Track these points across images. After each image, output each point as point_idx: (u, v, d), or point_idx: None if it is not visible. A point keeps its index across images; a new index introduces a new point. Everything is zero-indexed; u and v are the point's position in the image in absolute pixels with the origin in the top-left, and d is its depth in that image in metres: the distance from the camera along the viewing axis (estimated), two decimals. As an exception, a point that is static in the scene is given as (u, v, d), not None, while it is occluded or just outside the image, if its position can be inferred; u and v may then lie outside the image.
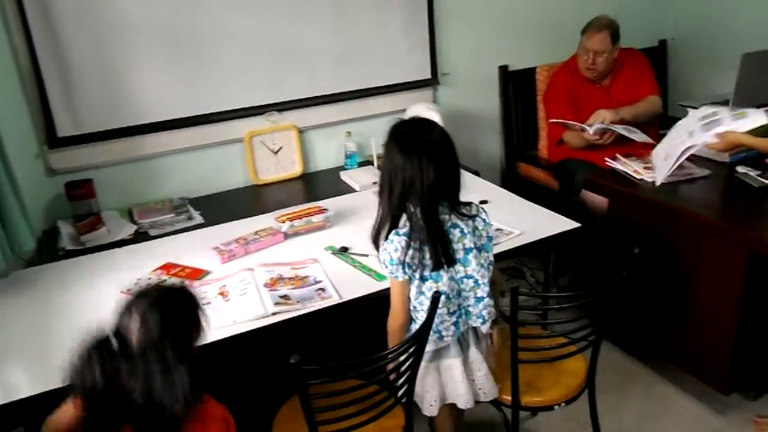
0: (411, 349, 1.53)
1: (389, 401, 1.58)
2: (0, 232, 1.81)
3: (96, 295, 1.83)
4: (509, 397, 1.75)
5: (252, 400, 1.89)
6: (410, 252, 1.54)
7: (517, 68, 3.31)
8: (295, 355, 1.34)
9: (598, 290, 1.68)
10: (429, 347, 1.64)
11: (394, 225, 1.58)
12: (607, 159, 2.62)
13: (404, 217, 1.58)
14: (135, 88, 2.46)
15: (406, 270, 1.55)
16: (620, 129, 2.66)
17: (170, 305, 1.25)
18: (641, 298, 2.35)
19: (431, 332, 1.62)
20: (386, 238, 1.58)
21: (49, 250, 2.20)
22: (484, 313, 1.66)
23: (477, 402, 1.73)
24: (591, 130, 2.71)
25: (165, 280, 1.75)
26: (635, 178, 2.43)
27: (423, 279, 1.58)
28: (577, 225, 2.12)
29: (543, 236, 2.06)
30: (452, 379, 1.69)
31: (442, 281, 1.59)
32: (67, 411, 1.33)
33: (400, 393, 1.60)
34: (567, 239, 2.11)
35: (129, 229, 2.29)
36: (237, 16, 2.56)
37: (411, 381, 1.61)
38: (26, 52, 2.26)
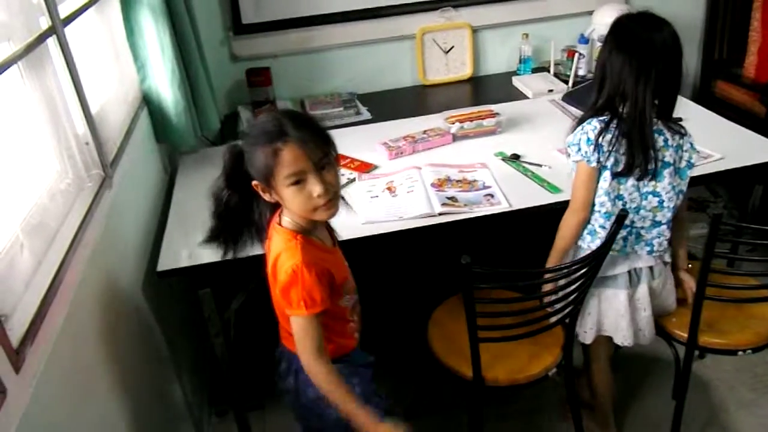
0: (585, 269, 1.43)
1: (550, 319, 1.51)
2: (192, 110, 1.93)
3: (272, 178, 1.92)
4: (684, 334, 1.60)
5: (411, 295, 1.92)
6: (607, 137, 1.41)
7: (734, -33, 2.81)
8: (465, 256, 1.30)
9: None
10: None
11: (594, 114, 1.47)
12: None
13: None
14: (314, -24, 2.44)
15: (600, 155, 1.42)
16: None
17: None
18: None
19: (595, 238, 1.51)
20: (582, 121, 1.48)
21: (229, 132, 2.33)
22: (655, 242, 1.51)
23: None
24: None
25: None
26: None
27: (612, 176, 1.45)
28: (793, 154, 1.81)
29: (749, 164, 1.79)
30: (614, 311, 1.58)
31: (626, 185, 1.46)
32: None
33: (564, 313, 1.52)
34: (777, 170, 1.82)
35: (301, 119, 2.35)
36: None
37: (578, 303, 1.52)
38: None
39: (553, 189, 1.73)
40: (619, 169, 1.43)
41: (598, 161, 1.43)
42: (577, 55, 2.53)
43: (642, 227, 1.51)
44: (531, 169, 1.85)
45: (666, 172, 1.45)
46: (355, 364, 1.35)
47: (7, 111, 1.10)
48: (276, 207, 1.23)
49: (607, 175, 1.45)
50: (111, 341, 1.28)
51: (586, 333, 1.63)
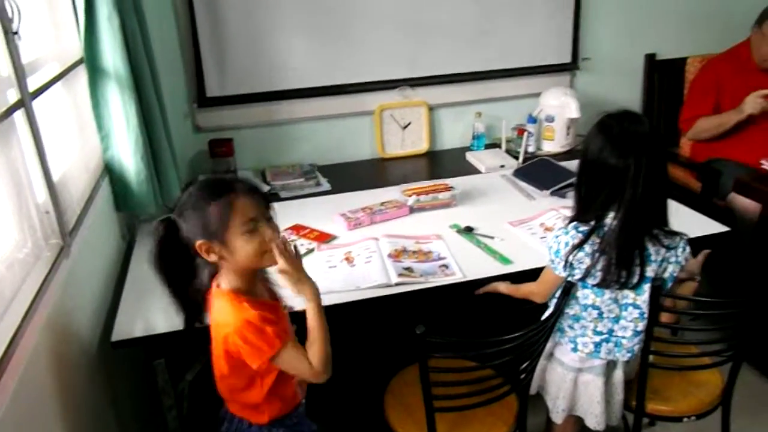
0: (534, 338, 1.48)
1: (504, 388, 1.54)
2: (155, 180, 1.95)
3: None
4: (633, 402, 1.66)
5: (367, 365, 1.93)
6: (579, 254, 1.43)
7: (665, 57, 3.08)
8: (420, 326, 1.34)
9: (748, 300, 1.53)
10: (572, 361, 1.58)
11: (581, 219, 1.46)
12: (763, 161, 2.39)
13: None
14: (279, 55, 2.55)
15: (566, 269, 1.46)
16: None
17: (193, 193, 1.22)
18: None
19: (567, 340, 1.56)
20: (567, 224, 1.48)
21: (190, 202, 2.35)
22: (636, 347, 1.55)
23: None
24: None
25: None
26: (797, 185, 2.19)
27: (582, 285, 1.49)
28: (725, 229, 1.95)
29: (686, 238, 1.91)
30: (588, 397, 1.60)
31: (602, 298, 1.49)
32: None
33: (518, 380, 1.56)
34: (712, 244, 1.94)
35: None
36: (381, -11, 2.58)
37: (530, 371, 1.56)
38: (186, 17, 2.40)
39: (505, 261, 1.80)
40: (595, 282, 1.45)
41: (564, 271, 1.46)
42: (526, 133, 2.69)
43: (624, 337, 1.53)
44: (484, 241, 1.92)
45: (646, 287, 1.47)
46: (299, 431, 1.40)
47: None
48: (213, 274, 1.28)
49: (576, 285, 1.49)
50: (60, 416, 1.24)
51: (557, 414, 1.65)
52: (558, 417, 1.65)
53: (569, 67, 2.97)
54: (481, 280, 1.73)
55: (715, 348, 1.63)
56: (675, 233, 1.47)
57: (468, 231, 1.99)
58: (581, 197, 1.47)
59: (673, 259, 1.47)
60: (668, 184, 1.45)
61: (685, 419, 1.66)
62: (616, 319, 1.52)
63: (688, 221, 2.01)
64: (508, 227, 2.00)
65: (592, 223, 1.43)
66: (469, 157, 2.72)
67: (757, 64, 2.66)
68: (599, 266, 1.42)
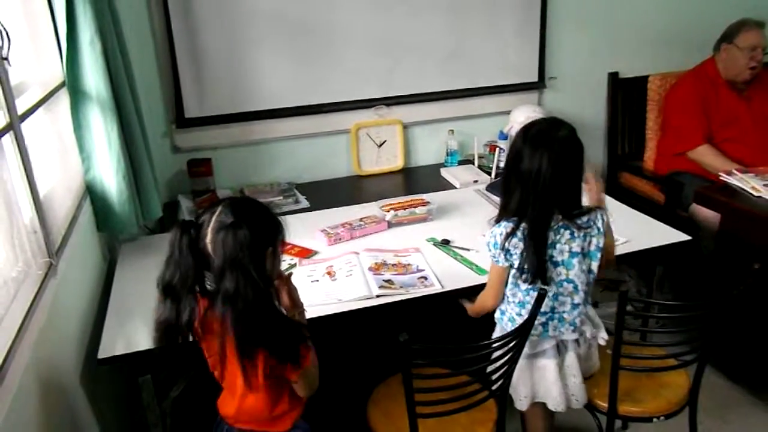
0: (511, 344, 1.55)
1: (483, 393, 1.60)
2: (136, 200, 1.98)
3: (213, 265, 1.96)
4: (605, 404, 1.73)
5: (350, 376, 1.97)
6: (513, 240, 1.55)
7: (627, 76, 3.22)
8: (403, 334, 1.39)
9: (711, 304, 1.62)
10: (524, 348, 1.65)
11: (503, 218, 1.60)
12: (721, 174, 2.51)
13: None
14: (256, 76, 2.61)
15: (507, 257, 1.57)
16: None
17: (246, 212, 1.26)
18: (753, 321, 2.23)
19: (515, 324, 1.64)
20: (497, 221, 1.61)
21: (169, 221, 2.37)
22: (577, 320, 1.65)
23: (568, 407, 1.72)
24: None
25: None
26: (753, 195, 2.31)
27: (521, 271, 1.59)
28: (687, 237, 2.05)
29: (650, 246, 2.01)
30: (545, 380, 1.69)
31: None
32: None
33: (495, 387, 1.62)
34: (675, 252, 2.04)
35: (241, 208, 2.43)
36: (357, 12, 2.66)
37: (507, 376, 1.62)
38: (165, 39, 2.45)
39: (481, 271, 1.87)
40: (528, 281, 1.57)
41: (506, 261, 1.58)
42: (497, 149, 2.78)
43: (564, 311, 1.64)
44: (460, 253, 1.99)
45: (575, 261, 1.59)
46: None
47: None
48: None
49: (515, 272, 1.60)
50: (49, 432, 1.26)
51: (521, 401, 1.73)
52: (522, 404, 1.72)
53: (537, 86, 3.08)
54: (459, 291, 1.79)
55: (680, 350, 1.71)
56: (590, 210, 1.61)
57: (445, 244, 2.06)
58: (502, 197, 1.63)
59: (594, 232, 1.61)
60: (578, 183, 1.58)
61: (655, 419, 1.74)
62: (555, 297, 1.63)
63: (653, 231, 2.12)
64: (483, 239, 2.06)
65: (517, 217, 1.58)
66: (444, 173, 2.80)
67: (731, 79, 2.79)
68: (529, 257, 1.54)
